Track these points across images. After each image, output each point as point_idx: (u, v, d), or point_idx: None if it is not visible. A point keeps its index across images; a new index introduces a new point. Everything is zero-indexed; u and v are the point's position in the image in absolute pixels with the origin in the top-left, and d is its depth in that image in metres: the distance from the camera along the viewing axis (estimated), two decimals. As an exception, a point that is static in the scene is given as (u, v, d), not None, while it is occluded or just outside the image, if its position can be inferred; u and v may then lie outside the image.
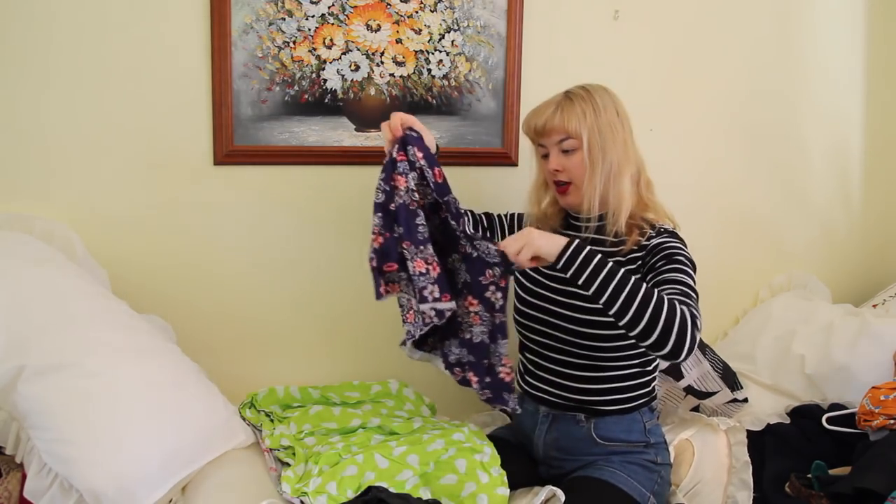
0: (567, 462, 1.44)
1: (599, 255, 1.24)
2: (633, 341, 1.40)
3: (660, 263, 1.34)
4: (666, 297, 1.22)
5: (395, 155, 1.36)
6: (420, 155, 1.36)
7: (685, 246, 1.38)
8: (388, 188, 1.35)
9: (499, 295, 1.34)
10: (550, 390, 1.46)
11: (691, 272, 1.35)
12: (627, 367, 1.42)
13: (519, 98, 1.81)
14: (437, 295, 1.33)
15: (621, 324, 1.22)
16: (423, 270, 1.34)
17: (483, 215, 1.59)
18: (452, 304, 1.34)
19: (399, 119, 1.36)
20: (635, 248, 1.40)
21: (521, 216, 1.59)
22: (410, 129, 1.38)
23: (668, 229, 1.41)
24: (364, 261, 1.81)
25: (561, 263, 1.25)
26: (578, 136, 1.38)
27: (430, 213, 1.39)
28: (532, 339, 1.50)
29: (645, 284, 1.23)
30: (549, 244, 1.26)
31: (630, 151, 1.42)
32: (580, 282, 1.24)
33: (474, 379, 1.38)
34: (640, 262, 1.38)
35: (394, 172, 1.35)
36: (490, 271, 1.34)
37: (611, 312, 1.22)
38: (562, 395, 1.44)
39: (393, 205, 1.35)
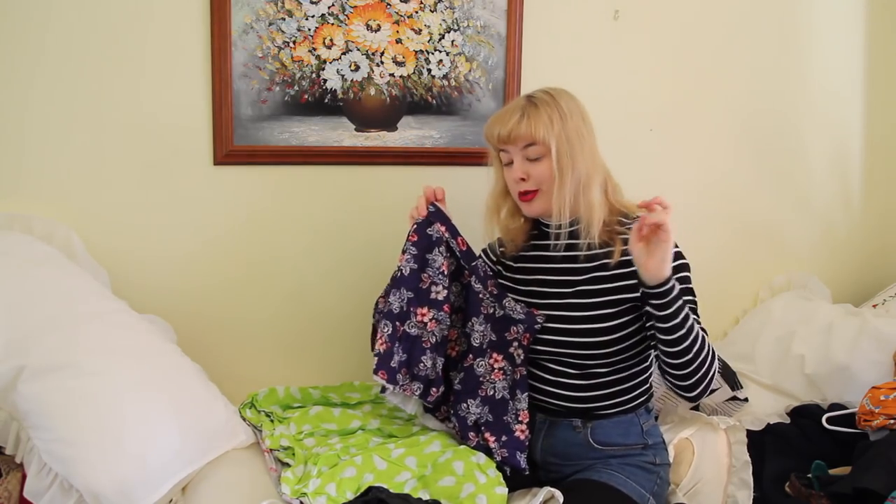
0: (565, 467, 1.43)
1: (681, 300, 1.27)
2: (630, 346, 1.40)
3: None
4: (712, 352, 1.31)
5: (410, 233, 1.41)
6: (443, 229, 1.42)
7: (675, 245, 1.32)
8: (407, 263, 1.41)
9: (521, 351, 1.41)
10: (546, 399, 1.44)
11: (689, 274, 1.38)
12: (624, 370, 1.41)
13: (519, 98, 1.81)
14: (373, 367, 1.39)
15: (668, 361, 1.30)
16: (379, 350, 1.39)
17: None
18: (384, 383, 1.37)
19: (432, 192, 1.42)
20: (624, 256, 1.36)
21: (491, 248, 1.56)
22: (432, 203, 1.43)
23: None
24: (365, 261, 1.81)
25: (660, 287, 1.25)
26: (546, 144, 1.33)
27: (450, 281, 1.44)
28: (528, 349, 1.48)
29: (703, 336, 1.30)
30: (668, 260, 1.24)
31: (597, 159, 1.39)
32: (661, 311, 1.26)
33: (491, 439, 1.39)
34: (632, 266, 1.32)
35: (402, 251, 1.41)
36: (515, 328, 1.41)
37: (665, 347, 1.29)
38: (558, 402, 1.43)
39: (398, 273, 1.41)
